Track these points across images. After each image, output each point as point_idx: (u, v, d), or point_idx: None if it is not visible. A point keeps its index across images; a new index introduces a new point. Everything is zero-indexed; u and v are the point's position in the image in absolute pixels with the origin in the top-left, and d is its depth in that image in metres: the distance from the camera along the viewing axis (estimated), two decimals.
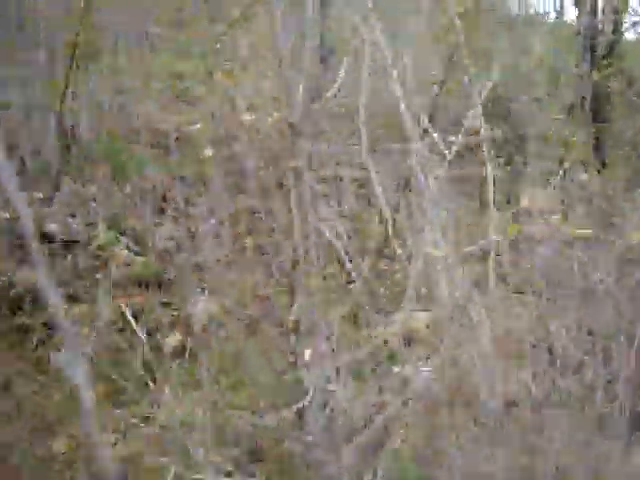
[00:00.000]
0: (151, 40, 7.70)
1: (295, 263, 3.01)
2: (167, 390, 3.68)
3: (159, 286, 4.81)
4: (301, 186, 3.38)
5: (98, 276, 4.96)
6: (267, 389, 3.47)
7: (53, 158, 5.81)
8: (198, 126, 6.39)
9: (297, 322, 2.68)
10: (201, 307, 4.46)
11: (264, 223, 5.21)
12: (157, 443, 3.42)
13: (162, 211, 5.51)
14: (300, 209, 3.35)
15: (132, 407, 3.76)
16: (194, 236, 4.54)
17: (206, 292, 4.55)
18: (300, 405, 2.96)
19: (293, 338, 3.03)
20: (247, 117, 6.44)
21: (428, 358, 3.01)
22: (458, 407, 2.75)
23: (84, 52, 5.56)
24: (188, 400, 3.69)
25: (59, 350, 4.23)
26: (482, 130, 3.40)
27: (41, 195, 5.63)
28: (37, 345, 4.37)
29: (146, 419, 3.70)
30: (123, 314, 4.60)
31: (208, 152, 6.47)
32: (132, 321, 3.90)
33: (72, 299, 4.77)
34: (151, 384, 3.79)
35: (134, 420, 3.67)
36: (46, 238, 5.12)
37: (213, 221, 5.00)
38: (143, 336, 4.29)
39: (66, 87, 2.37)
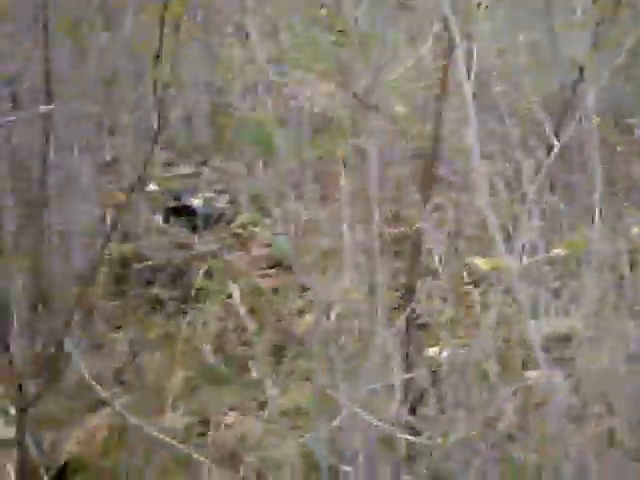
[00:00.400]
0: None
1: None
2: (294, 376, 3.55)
3: (298, 269, 4.69)
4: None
5: (236, 255, 4.89)
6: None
7: (203, 133, 5.77)
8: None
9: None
10: (336, 293, 4.32)
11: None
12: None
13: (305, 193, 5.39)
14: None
15: (254, 390, 3.65)
16: (334, 219, 4.39)
17: (344, 278, 4.41)
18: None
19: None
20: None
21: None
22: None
23: None
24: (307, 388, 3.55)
25: (190, 324, 4.16)
26: None
27: (188, 170, 5.61)
28: (168, 318, 4.32)
29: (265, 404, 3.58)
30: (258, 293, 4.50)
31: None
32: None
33: (209, 276, 4.71)
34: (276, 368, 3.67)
35: (253, 403, 3.56)
36: (189, 213, 5.09)
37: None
38: (273, 318, 4.18)
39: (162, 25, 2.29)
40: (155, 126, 5.89)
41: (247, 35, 6.73)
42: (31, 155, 3.99)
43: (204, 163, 5.56)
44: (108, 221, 5.05)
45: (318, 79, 6.76)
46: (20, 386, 2.49)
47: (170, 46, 2.26)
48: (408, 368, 2.76)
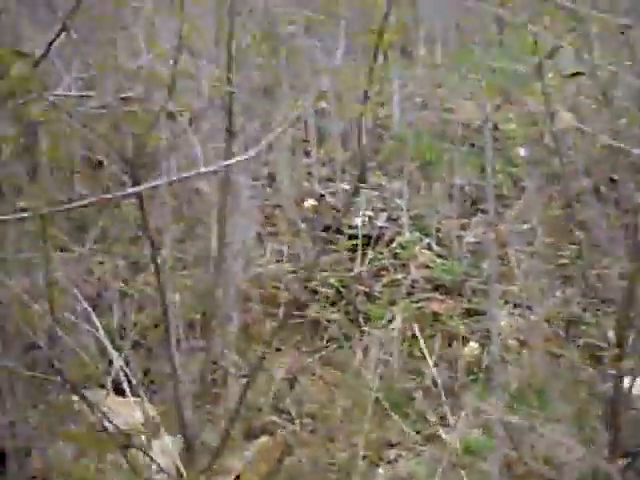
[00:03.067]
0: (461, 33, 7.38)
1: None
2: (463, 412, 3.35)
3: (459, 293, 4.47)
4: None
5: (398, 276, 4.70)
6: (570, 423, 3.05)
7: (362, 150, 5.62)
8: (513, 125, 5.99)
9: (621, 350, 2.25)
10: (503, 320, 4.09)
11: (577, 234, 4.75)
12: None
13: (469, 213, 5.18)
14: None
15: (419, 423, 3.46)
16: (503, 242, 4.17)
17: (511, 304, 4.18)
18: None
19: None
20: (569, 120, 5.98)
21: None
22: None
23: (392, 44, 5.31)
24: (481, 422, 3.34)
25: (350, 350, 4.00)
26: None
27: (347, 186, 5.45)
28: (327, 343, 4.16)
29: (432, 438, 3.39)
30: (420, 317, 4.32)
31: (522, 152, 6.07)
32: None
33: (368, 296, 4.55)
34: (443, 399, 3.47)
35: (417, 438, 3.36)
36: (350, 231, 4.93)
37: (525, 226, 4.61)
38: (436, 345, 3.99)
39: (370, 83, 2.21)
40: (313, 140, 5.80)
41: (405, 51, 6.55)
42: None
43: (363, 180, 5.40)
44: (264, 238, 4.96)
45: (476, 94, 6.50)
46: (183, 418, 2.37)
47: None
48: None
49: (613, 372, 2.14)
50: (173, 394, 2.61)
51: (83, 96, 2.09)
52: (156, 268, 2.29)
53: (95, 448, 2.64)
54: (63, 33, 1.57)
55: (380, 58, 2.24)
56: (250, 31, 2.93)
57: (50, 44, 1.65)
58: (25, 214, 1.99)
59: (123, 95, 2.09)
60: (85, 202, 2.02)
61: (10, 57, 1.74)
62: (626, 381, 3.14)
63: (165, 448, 2.71)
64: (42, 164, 3.11)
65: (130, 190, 1.98)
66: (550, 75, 3.27)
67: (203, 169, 1.93)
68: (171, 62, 1.99)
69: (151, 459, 2.50)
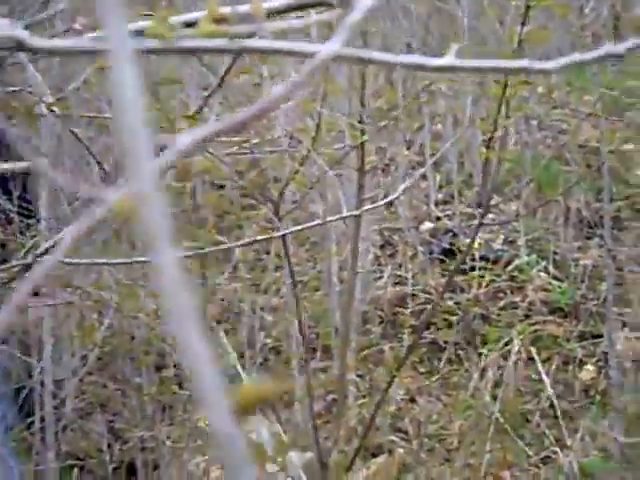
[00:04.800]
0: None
1: None
2: (579, 434, 3.38)
3: (576, 316, 4.50)
4: None
5: (514, 299, 4.75)
6: None
7: (478, 172, 5.69)
8: (631, 145, 5.96)
9: None
10: (621, 343, 4.10)
11: None
12: None
13: (586, 236, 5.19)
14: None
15: (535, 446, 3.50)
16: (619, 266, 4.19)
17: (627, 327, 4.19)
18: None
19: None
20: None
21: None
22: None
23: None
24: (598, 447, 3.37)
25: (467, 372, 4.06)
26: None
27: (464, 208, 5.53)
28: (444, 364, 4.24)
29: (548, 460, 3.43)
30: (537, 340, 4.35)
31: None
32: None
33: (485, 319, 4.61)
34: (560, 421, 3.51)
35: (534, 460, 3.41)
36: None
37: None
38: (552, 367, 4.02)
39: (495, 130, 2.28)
40: (430, 163, 5.88)
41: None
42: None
43: (480, 203, 5.47)
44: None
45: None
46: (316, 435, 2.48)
47: None
48: None
49: None
50: (299, 413, 2.73)
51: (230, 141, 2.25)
52: (295, 295, 2.43)
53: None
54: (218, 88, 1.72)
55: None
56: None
57: (207, 98, 1.80)
58: (189, 252, 2.16)
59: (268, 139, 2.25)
60: (241, 244, 2.19)
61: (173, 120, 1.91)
62: None
63: (292, 465, 2.83)
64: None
65: (278, 234, 2.13)
66: None
67: (346, 213, 2.07)
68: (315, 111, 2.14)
69: (285, 473, 2.63)
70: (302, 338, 2.45)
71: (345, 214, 2.10)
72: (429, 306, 4.40)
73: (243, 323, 3.81)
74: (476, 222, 5.32)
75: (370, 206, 2.08)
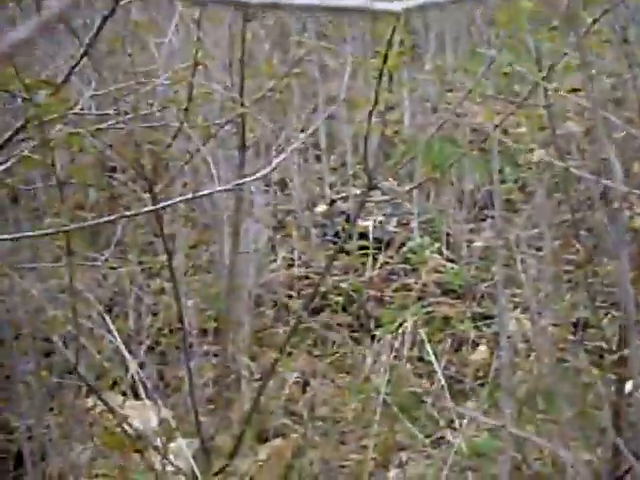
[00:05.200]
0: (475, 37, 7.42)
1: None
2: (470, 415, 3.39)
3: (472, 297, 4.52)
4: None
5: (407, 280, 4.75)
6: (572, 425, 3.09)
7: (372, 153, 5.68)
8: (523, 129, 6.03)
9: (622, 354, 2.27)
10: (512, 324, 4.13)
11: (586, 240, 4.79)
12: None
13: (479, 218, 5.23)
14: None
15: (429, 427, 3.51)
16: (511, 247, 4.22)
17: (519, 308, 4.23)
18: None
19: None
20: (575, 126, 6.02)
21: None
22: None
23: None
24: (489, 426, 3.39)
25: (361, 355, 4.05)
26: None
27: (359, 191, 5.51)
28: (338, 347, 4.22)
29: (441, 440, 3.44)
30: (430, 321, 4.36)
31: (537, 156, 6.10)
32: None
33: (378, 301, 4.60)
34: (450, 403, 3.51)
35: (426, 441, 3.41)
36: (361, 236, 4.98)
37: (535, 231, 4.66)
38: (446, 348, 4.03)
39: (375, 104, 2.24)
40: (323, 145, 5.85)
41: (415, 54, 6.60)
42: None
43: (374, 185, 5.46)
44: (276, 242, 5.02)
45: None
46: (198, 421, 2.43)
47: None
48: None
49: (614, 377, 2.18)
50: (188, 398, 2.66)
51: (102, 115, 2.14)
52: (172, 275, 2.34)
53: (115, 450, 2.69)
54: (84, 58, 1.63)
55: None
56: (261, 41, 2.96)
57: (72, 69, 1.72)
58: (52, 230, 2.05)
59: (142, 113, 2.15)
60: (106, 219, 2.07)
61: (35, 84, 1.81)
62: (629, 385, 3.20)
63: (180, 451, 2.77)
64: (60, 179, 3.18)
65: (148, 208, 2.03)
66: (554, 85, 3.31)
67: (218, 187, 1.98)
68: (188, 81, 2.03)
69: (168, 461, 2.56)
70: (180, 322, 2.36)
71: (218, 188, 2.01)
72: (319, 288, 4.37)
73: (130, 307, 3.72)
74: (369, 204, 5.31)
75: (242, 180, 2.00)
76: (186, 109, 2.02)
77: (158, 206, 2.03)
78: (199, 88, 2.12)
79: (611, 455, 2.25)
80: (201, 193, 2.30)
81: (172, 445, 2.83)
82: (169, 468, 2.61)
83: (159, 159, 2.09)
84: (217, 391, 3.45)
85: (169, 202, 2.05)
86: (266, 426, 3.46)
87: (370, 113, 1.98)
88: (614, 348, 2.29)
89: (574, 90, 4.05)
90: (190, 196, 2.02)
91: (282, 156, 2.01)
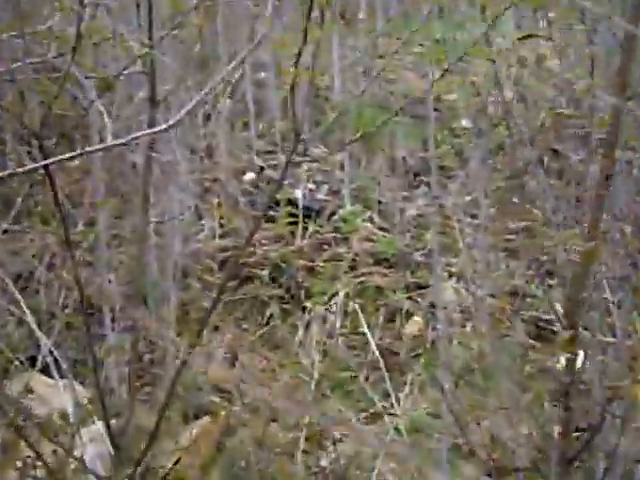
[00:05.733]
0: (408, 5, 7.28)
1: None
2: (407, 385, 3.27)
3: (403, 266, 4.39)
4: None
5: (339, 250, 4.60)
6: (512, 399, 2.98)
7: (301, 120, 5.51)
8: (455, 95, 5.91)
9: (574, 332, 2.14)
10: (448, 294, 4.02)
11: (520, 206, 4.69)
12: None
13: (412, 185, 5.10)
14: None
15: (362, 401, 3.37)
16: (446, 215, 4.10)
17: (454, 278, 4.12)
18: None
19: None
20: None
21: None
22: None
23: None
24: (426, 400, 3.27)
25: (292, 327, 3.90)
26: None
27: (284, 158, 5.34)
28: (268, 320, 4.06)
29: (376, 416, 3.30)
30: (363, 292, 4.23)
31: (465, 123, 6.00)
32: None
33: (309, 271, 4.45)
34: (386, 376, 3.38)
35: (362, 415, 3.28)
36: (290, 204, 4.82)
37: (468, 198, 4.54)
38: (380, 320, 3.91)
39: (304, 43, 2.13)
40: (252, 112, 5.66)
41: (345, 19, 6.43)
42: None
43: (304, 152, 5.31)
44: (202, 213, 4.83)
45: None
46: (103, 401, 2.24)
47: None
48: None
49: (566, 354, 2.07)
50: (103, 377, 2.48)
51: None
52: (69, 248, 2.11)
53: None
54: None
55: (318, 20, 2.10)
56: None
57: None
58: None
59: (30, 60, 1.91)
60: None
61: None
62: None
63: (95, 435, 2.59)
64: None
65: (33, 165, 1.80)
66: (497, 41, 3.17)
67: (111, 142, 1.77)
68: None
69: (72, 457, 2.37)
70: (81, 298, 2.16)
71: (111, 142, 1.79)
72: (250, 259, 4.21)
73: (41, 282, 3.52)
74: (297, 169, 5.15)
75: (141, 133, 1.80)
76: (74, 48, 1.76)
77: (44, 162, 1.82)
78: (91, 26, 1.88)
79: (560, 429, 2.14)
80: (93, 148, 2.07)
81: (90, 428, 2.66)
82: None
83: (48, 111, 1.85)
84: (141, 368, 3.27)
85: (56, 159, 1.84)
86: (193, 404, 3.30)
87: (298, 54, 1.80)
88: (560, 321, 2.17)
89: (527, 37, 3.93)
90: (80, 152, 1.81)
91: (191, 104, 1.81)
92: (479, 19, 3.49)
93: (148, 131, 1.87)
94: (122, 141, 1.76)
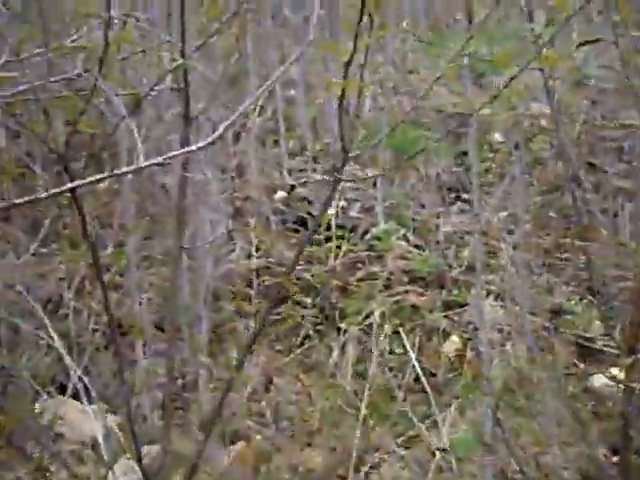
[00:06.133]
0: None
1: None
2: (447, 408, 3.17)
3: (440, 285, 4.29)
4: None
5: (373, 268, 4.51)
6: (555, 421, 2.87)
7: (338, 137, 5.43)
8: (488, 110, 5.82)
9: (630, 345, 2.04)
10: (486, 312, 3.92)
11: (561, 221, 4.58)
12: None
13: (445, 201, 5.01)
14: None
15: (401, 424, 3.27)
16: (485, 231, 4.00)
17: (493, 296, 4.02)
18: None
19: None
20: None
21: None
22: None
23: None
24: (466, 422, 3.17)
25: (327, 348, 3.81)
26: None
27: (319, 176, 5.27)
28: (303, 341, 3.97)
29: (415, 441, 3.20)
30: (399, 311, 4.14)
31: (499, 137, 5.90)
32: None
33: (343, 291, 4.35)
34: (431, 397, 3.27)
35: (401, 440, 3.18)
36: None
37: (505, 213, 4.45)
38: (417, 340, 3.82)
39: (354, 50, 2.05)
40: (282, 130, 5.59)
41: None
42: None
43: (336, 169, 5.22)
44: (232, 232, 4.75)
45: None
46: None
47: None
48: None
49: (627, 382, 1.96)
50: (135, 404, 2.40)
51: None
52: (98, 272, 2.04)
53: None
54: None
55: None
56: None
57: None
58: None
59: (54, 79, 1.83)
60: (14, 203, 1.75)
61: None
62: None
63: (128, 469, 2.52)
64: None
65: (56, 190, 1.72)
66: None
67: (144, 162, 1.67)
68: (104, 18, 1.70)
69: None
70: (109, 322, 2.07)
71: (144, 163, 1.69)
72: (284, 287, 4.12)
73: (69, 306, 3.44)
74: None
75: (175, 152, 1.70)
76: (101, 60, 1.65)
77: (69, 186, 1.73)
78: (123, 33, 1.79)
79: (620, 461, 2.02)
80: (125, 169, 1.97)
81: (122, 462, 2.58)
82: None
83: (73, 130, 1.76)
84: (173, 392, 3.19)
85: (83, 181, 1.75)
86: (228, 429, 3.21)
87: (348, 63, 1.70)
88: (619, 347, 2.05)
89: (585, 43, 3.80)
90: (107, 174, 1.73)
91: (227, 122, 1.73)
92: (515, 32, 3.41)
93: (183, 150, 1.79)
94: (155, 161, 1.67)
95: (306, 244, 2.18)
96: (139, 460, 2.12)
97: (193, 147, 1.77)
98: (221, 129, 1.80)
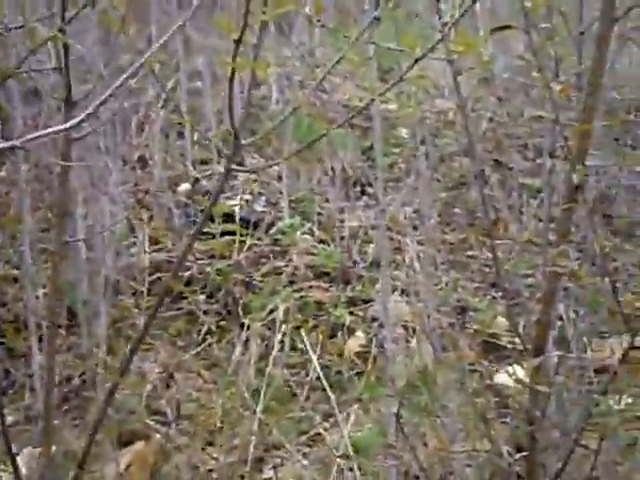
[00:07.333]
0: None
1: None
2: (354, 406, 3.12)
3: (345, 280, 4.25)
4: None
5: (277, 263, 4.45)
6: (460, 416, 2.85)
7: (237, 129, 5.35)
8: (394, 106, 5.81)
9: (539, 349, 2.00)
10: (391, 308, 3.88)
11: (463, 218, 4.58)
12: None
13: (350, 196, 4.96)
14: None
15: (304, 422, 3.22)
16: (388, 226, 3.96)
17: (399, 292, 3.99)
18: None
19: None
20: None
21: None
22: None
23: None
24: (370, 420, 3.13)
25: (229, 344, 3.73)
26: None
27: (222, 168, 5.18)
28: (205, 336, 3.89)
29: (317, 440, 3.15)
30: (303, 307, 4.08)
31: (403, 133, 5.90)
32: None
33: (246, 286, 4.28)
34: (330, 394, 3.22)
35: (303, 439, 3.12)
36: (226, 216, 4.65)
37: (409, 209, 4.43)
38: (320, 336, 3.77)
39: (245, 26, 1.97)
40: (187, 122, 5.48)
41: (281, 30, 6.28)
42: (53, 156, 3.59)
43: (241, 162, 5.15)
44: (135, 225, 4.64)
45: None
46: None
47: None
48: None
49: (532, 385, 1.94)
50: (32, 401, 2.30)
51: None
52: None
53: None
54: None
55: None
56: None
57: None
58: None
59: None
60: None
61: None
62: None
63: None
64: None
65: None
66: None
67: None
68: None
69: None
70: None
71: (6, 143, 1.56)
72: (185, 273, 4.04)
73: None
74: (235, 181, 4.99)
75: (37, 134, 1.56)
76: None
77: None
78: None
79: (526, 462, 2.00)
80: None
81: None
82: None
83: None
84: (70, 390, 3.09)
85: None
86: (126, 428, 3.12)
87: (238, 40, 1.62)
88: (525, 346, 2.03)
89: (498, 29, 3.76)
90: None
91: (103, 96, 1.63)
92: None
93: (45, 131, 1.59)
94: (11, 144, 1.51)
95: (195, 238, 2.07)
96: (13, 463, 2.02)
97: (57, 127, 1.61)
98: (96, 103, 1.70)
